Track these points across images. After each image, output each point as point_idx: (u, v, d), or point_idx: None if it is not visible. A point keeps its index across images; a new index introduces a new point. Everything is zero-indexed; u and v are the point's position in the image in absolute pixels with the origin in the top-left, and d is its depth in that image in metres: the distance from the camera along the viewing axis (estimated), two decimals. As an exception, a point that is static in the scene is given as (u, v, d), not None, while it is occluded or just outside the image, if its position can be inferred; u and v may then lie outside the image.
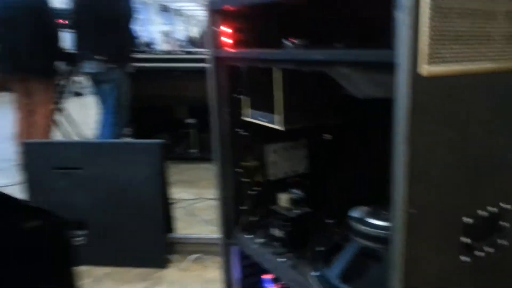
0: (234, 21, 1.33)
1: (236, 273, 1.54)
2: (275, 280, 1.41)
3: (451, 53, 0.80)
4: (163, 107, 4.19)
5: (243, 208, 1.47)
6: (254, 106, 1.33)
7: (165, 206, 2.37)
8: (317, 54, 0.99)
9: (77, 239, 2.31)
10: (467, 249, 0.93)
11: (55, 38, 3.79)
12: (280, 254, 1.31)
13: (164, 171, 2.36)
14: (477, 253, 0.95)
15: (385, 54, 0.77)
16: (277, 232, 1.36)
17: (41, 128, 3.79)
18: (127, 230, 2.32)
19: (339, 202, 1.38)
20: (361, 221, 1.13)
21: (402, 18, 0.73)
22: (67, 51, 3.91)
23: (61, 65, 3.92)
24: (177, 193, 3.17)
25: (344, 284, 1.11)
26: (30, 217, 1.27)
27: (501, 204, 0.98)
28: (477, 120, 0.89)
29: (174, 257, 2.38)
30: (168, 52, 4.29)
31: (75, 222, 2.30)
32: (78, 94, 7.11)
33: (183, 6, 20.45)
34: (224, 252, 1.53)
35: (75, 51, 3.65)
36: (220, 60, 1.36)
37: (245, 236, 1.45)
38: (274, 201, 1.40)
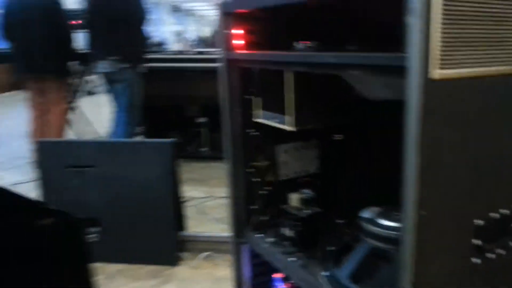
0: (245, 23, 1.34)
1: (247, 271, 1.55)
2: (285, 279, 1.42)
3: (462, 57, 0.80)
4: (174, 106, 4.21)
5: (253, 208, 1.49)
6: (265, 107, 1.34)
7: (176, 204, 2.40)
8: (330, 57, 0.99)
9: (90, 236, 2.35)
10: (478, 251, 0.93)
11: (68, 39, 3.84)
12: (290, 254, 1.32)
13: (175, 170, 2.39)
14: (488, 255, 0.95)
15: (397, 58, 0.78)
16: (287, 232, 1.37)
17: (55, 126, 3.84)
18: (139, 228, 2.35)
19: (349, 202, 1.38)
20: (372, 221, 1.14)
21: (413, 23, 0.74)
22: (80, 51, 3.95)
23: (74, 65, 3.97)
24: (188, 191, 3.19)
25: (354, 284, 1.11)
26: (43, 215, 1.29)
27: (513, 206, 0.98)
28: (489, 123, 0.89)
29: (185, 255, 2.40)
30: (180, 52, 4.31)
31: (88, 220, 2.34)
32: (90, 93, 7.17)
33: (195, 6, 20.48)
34: (235, 250, 1.54)
35: (88, 51, 3.69)
36: (231, 62, 1.37)
37: (256, 235, 1.46)
38: (285, 200, 1.41)
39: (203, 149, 4.22)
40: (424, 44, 0.74)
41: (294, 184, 1.49)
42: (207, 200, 3.22)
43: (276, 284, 1.47)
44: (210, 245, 2.42)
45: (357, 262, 1.16)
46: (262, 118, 1.36)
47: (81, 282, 1.32)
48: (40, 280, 1.26)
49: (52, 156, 2.46)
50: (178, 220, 2.43)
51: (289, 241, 1.37)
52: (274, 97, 1.27)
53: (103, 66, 3.50)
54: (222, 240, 2.36)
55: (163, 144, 2.39)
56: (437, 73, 0.76)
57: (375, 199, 1.22)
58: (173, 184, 2.37)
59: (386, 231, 1.09)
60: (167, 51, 4.56)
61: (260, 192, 1.48)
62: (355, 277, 1.13)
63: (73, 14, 3.91)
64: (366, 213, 1.18)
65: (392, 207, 1.12)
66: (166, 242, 2.36)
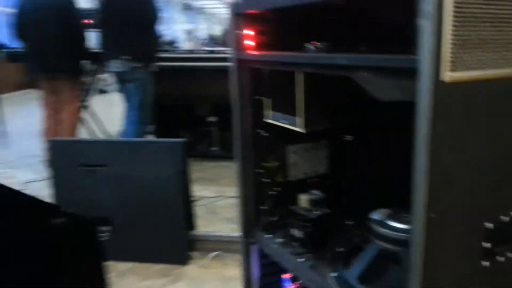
0: (256, 23, 1.34)
1: (256, 271, 1.56)
2: (293, 280, 1.43)
3: (474, 59, 0.80)
4: (185, 105, 4.23)
5: (263, 208, 1.49)
6: (275, 108, 1.34)
7: (187, 204, 2.41)
8: (341, 58, 1.00)
9: (102, 235, 2.37)
10: (488, 254, 0.93)
11: (81, 38, 3.87)
12: (299, 254, 1.32)
13: (186, 170, 2.40)
14: (498, 258, 0.94)
15: (408, 60, 0.78)
16: (296, 233, 1.37)
17: (68, 125, 3.88)
18: (150, 227, 2.36)
19: (359, 203, 1.38)
20: (382, 223, 1.13)
21: (425, 25, 0.74)
22: (92, 50, 3.99)
23: (86, 64, 4.00)
24: (198, 190, 3.20)
25: (363, 286, 1.11)
26: (55, 215, 1.31)
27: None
28: (500, 125, 0.89)
29: (194, 254, 2.41)
30: (191, 51, 4.32)
31: (99, 219, 2.35)
32: (102, 91, 7.23)
33: (206, 4, 20.53)
34: (244, 250, 1.55)
35: (101, 50, 3.72)
36: (242, 62, 1.37)
37: (265, 235, 1.47)
38: (294, 201, 1.41)
39: (213, 148, 4.23)
40: (435, 47, 0.74)
41: (303, 185, 1.49)
42: (217, 200, 3.23)
43: (285, 284, 1.48)
44: (219, 245, 2.43)
45: (366, 263, 1.16)
46: (272, 118, 1.36)
47: (95, 280, 1.34)
48: (54, 277, 1.28)
49: (65, 155, 2.48)
50: (189, 220, 2.45)
51: (298, 241, 1.37)
52: (284, 98, 1.28)
53: (115, 65, 3.53)
54: (231, 239, 2.36)
55: (174, 144, 2.41)
56: (447, 75, 0.76)
57: (385, 201, 1.22)
58: (184, 184, 2.38)
59: (396, 233, 1.09)
60: (178, 50, 4.58)
61: (270, 192, 1.49)
62: (364, 278, 1.13)
63: (86, 13, 3.95)
64: (376, 215, 1.18)
65: (402, 209, 1.12)
66: (176, 241, 2.38)
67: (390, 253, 1.10)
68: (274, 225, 1.49)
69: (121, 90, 3.81)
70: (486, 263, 0.93)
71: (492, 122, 0.87)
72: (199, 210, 2.88)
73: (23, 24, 3.70)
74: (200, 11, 21.45)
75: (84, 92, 4.19)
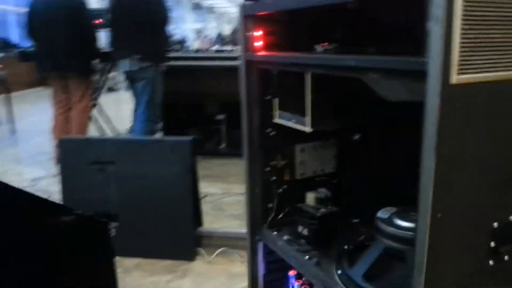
0: (266, 24, 1.36)
1: (261, 268, 1.57)
2: (297, 276, 1.44)
3: (482, 61, 0.80)
4: (194, 103, 4.25)
5: (270, 206, 1.50)
6: (283, 108, 1.36)
7: (194, 201, 2.43)
8: (349, 60, 1.00)
9: (110, 232, 2.40)
10: (494, 253, 0.93)
11: (91, 38, 3.91)
12: (305, 252, 1.33)
13: (194, 167, 2.42)
14: (504, 257, 0.95)
15: (417, 63, 0.79)
16: (303, 230, 1.39)
17: (77, 123, 3.92)
18: (157, 223, 2.39)
19: (366, 201, 1.39)
20: (388, 221, 1.14)
21: (434, 29, 0.74)
22: (103, 50, 4.03)
23: (96, 63, 4.04)
24: (205, 187, 3.23)
25: (367, 284, 1.12)
26: (63, 214, 1.33)
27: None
28: (508, 126, 0.89)
29: (201, 250, 2.43)
30: (200, 51, 4.35)
31: (107, 215, 2.39)
32: (112, 89, 7.28)
33: (216, 3, 20.55)
34: (250, 247, 1.56)
35: (111, 50, 3.75)
36: (251, 63, 1.39)
37: (271, 232, 1.48)
38: (301, 199, 1.42)
39: (221, 146, 4.26)
40: (444, 50, 0.75)
41: (311, 183, 1.50)
42: (224, 197, 3.25)
43: (291, 281, 1.49)
44: (226, 241, 2.44)
45: (371, 261, 1.16)
46: (279, 118, 1.37)
47: (104, 278, 1.36)
48: (62, 276, 1.30)
49: (74, 153, 2.52)
50: (196, 216, 2.47)
51: (304, 239, 1.38)
52: (292, 98, 1.29)
53: (125, 64, 3.56)
54: (237, 236, 2.38)
55: (182, 142, 2.43)
56: (456, 78, 0.77)
57: (392, 199, 1.23)
58: (192, 181, 2.40)
59: (402, 231, 1.10)
60: (187, 50, 4.60)
61: (277, 190, 1.50)
62: (369, 276, 1.14)
63: (96, 13, 3.99)
64: (382, 213, 1.19)
65: (409, 207, 1.13)
66: (183, 238, 2.40)
67: (396, 251, 1.11)
68: (280, 222, 1.51)
69: (131, 89, 3.85)
70: (491, 262, 0.93)
71: (499, 123, 0.88)
72: (206, 207, 2.90)
73: (34, 23, 3.74)
74: (209, 10, 21.48)
75: (94, 91, 4.23)
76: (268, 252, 1.53)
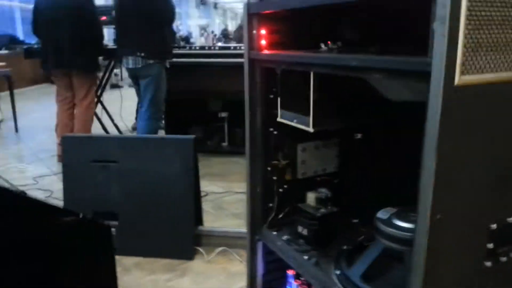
0: (270, 23, 1.36)
1: (260, 267, 1.57)
2: (296, 276, 1.44)
3: (486, 62, 0.80)
4: (197, 100, 4.25)
5: (271, 205, 1.50)
6: (286, 107, 1.35)
7: (195, 200, 2.43)
8: (353, 60, 1.00)
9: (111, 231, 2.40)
10: (491, 255, 0.93)
11: (97, 35, 3.91)
12: (304, 252, 1.33)
13: (196, 166, 2.42)
14: (501, 258, 0.95)
15: (421, 63, 0.79)
16: (302, 230, 1.38)
17: (81, 120, 3.93)
18: (158, 222, 2.39)
19: (366, 201, 1.39)
20: (387, 222, 1.14)
21: (439, 29, 0.74)
22: (107, 47, 4.03)
23: (101, 60, 4.05)
24: (206, 186, 3.23)
25: (365, 284, 1.12)
26: (63, 215, 1.33)
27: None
28: (510, 127, 0.89)
29: (200, 249, 2.43)
30: (204, 48, 4.34)
31: (107, 214, 2.40)
32: (115, 86, 7.29)
33: (221, -1, 20.55)
34: (250, 247, 1.56)
35: (116, 47, 3.76)
36: (255, 62, 1.39)
37: (271, 232, 1.48)
38: (302, 198, 1.42)
39: (224, 144, 4.25)
40: (448, 50, 0.74)
41: (312, 183, 1.50)
42: (225, 195, 3.24)
43: (290, 280, 1.48)
44: (225, 240, 2.44)
45: (370, 262, 1.16)
46: (282, 117, 1.37)
47: (104, 278, 1.36)
48: (64, 274, 1.30)
49: (77, 150, 2.52)
50: (196, 215, 2.46)
51: (303, 239, 1.38)
52: (295, 98, 1.29)
53: (130, 62, 3.56)
54: (237, 235, 2.38)
55: (184, 141, 2.43)
56: (459, 78, 0.76)
57: (392, 200, 1.22)
58: (193, 180, 2.40)
59: (400, 232, 1.10)
60: (191, 47, 4.60)
61: (278, 190, 1.49)
62: (367, 277, 1.14)
63: (100, 10, 4.00)
64: (382, 214, 1.18)
65: (408, 208, 1.12)
66: (184, 237, 2.40)
67: (394, 252, 1.11)
68: (280, 222, 1.51)
69: (135, 86, 3.85)
70: (488, 264, 0.93)
71: (501, 124, 0.87)
72: (207, 206, 2.90)
73: (40, 20, 3.75)
74: (214, 6, 21.47)
75: (98, 88, 4.24)
76: (268, 252, 1.52)
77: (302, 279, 1.40)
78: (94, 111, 4.17)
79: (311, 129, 1.25)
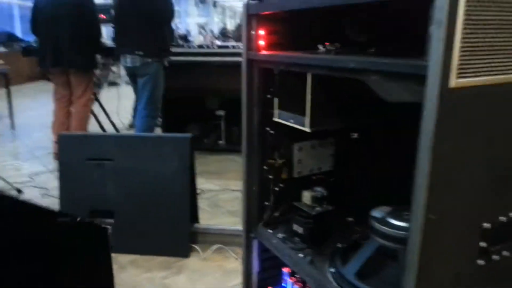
0: (269, 24, 1.36)
1: (256, 265, 1.58)
2: (291, 274, 1.45)
3: (482, 65, 0.81)
4: (194, 98, 4.25)
5: (266, 204, 1.51)
6: (283, 107, 1.36)
7: (191, 198, 2.43)
8: (350, 62, 1.01)
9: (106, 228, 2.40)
10: (484, 253, 0.95)
11: (96, 33, 3.91)
12: (299, 250, 1.34)
13: (192, 164, 2.43)
14: (494, 257, 0.96)
15: (417, 66, 0.80)
16: (298, 228, 1.39)
17: (78, 118, 3.92)
18: (154, 220, 2.40)
19: (361, 200, 1.40)
20: (381, 220, 1.15)
21: (436, 33, 0.75)
22: (106, 45, 4.03)
23: (98, 58, 4.05)
24: (203, 183, 3.24)
25: (360, 282, 1.13)
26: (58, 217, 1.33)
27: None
28: (503, 129, 0.90)
29: (196, 246, 2.44)
30: (202, 47, 4.35)
31: (103, 212, 2.41)
32: (113, 83, 7.27)
33: (221, -3, 20.50)
34: (246, 245, 1.57)
35: (114, 45, 3.75)
36: (253, 62, 1.40)
37: (267, 230, 1.49)
38: (298, 197, 1.43)
39: (220, 142, 4.26)
40: (445, 54, 0.76)
41: (308, 181, 1.51)
42: (221, 193, 3.25)
43: (285, 278, 1.49)
44: (221, 238, 2.45)
45: (364, 260, 1.18)
46: (279, 117, 1.38)
47: (101, 279, 1.36)
48: (61, 277, 1.30)
49: (73, 148, 2.52)
50: (192, 213, 2.47)
51: (299, 237, 1.39)
52: (292, 98, 1.29)
53: (128, 60, 3.56)
54: (233, 233, 2.39)
55: (181, 139, 2.44)
56: (454, 82, 0.77)
57: (387, 199, 1.24)
58: (190, 178, 2.41)
59: (395, 230, 1.11)
60: (189, 45, 4.60)
61: (274, 188, 1.50)
62: (361, 275, 1.15)
63: (99, 8, 4.00)
64: (377, 212, 1.19)
65: (403, 207, 1.13)
66: (179, 234, 2.40)
67: (389, 250, 1.12)
68: (276, 220, 1.52)
69: (133, 84, 3.85)
70: (481, 262, 0.94)
71: (495, 126, 0.89)
72: (203, 203, 2.91)
73: (39, 18, 3.74)
74: (214, 4, 21.42)
75: (95, 86, 4.23)
76: (263, 250, 1.54)
77: (297, 276, 1.41)
78: (91, 109, 4.16)
79: (308, 130, 1.26)
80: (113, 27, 3.78)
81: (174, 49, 3.99)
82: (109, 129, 4.69)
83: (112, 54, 3.93)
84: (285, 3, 1.27)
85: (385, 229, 1.12)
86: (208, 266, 2.28)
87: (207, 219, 2.73)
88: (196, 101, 4.27)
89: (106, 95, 4.94)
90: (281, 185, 1.51)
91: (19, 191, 3.33)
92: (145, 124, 3.71)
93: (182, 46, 4.42)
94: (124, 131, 5.04)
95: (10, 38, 9.49)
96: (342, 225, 1.44)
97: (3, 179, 3.37)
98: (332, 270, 1.22)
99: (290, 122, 1.33)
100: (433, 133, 0.79)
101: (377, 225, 1.14)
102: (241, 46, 1.41)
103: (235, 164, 3.74)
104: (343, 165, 1.58)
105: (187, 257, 2.37)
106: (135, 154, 2.44)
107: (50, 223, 1.22)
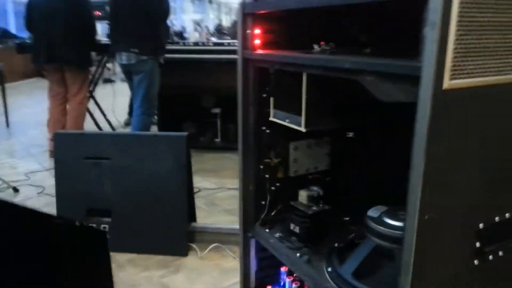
0: (264, 23, 1.36)
1: (253, 264, 1.58)
2: (289, 273, 1.45)
3: (476, 66, 0.82)
4: (190, 96, 4.25)
5: (263, 203, 1.51)
6: (278, 107, 1.36)
7: (188, 196, 2.44)
8: (345, 62, 1.01)
9: (103, 226, 2.41)
10: (479, 253, 0.95)
11: (90, 30, 3.90)
12: (296, 249, 1.35)
13: (188, 163, 2.43)
14: (489, 256, 0.97)
15: (411, 67, 0.81)
16: (295, 228, 1.40)
17: (74, 115, 3.92)
18: (151, 219, 2.40)
19: (357, 199, 1.40)
20: (377, 220, 1.16)
21: (430, 34, 0.76)
22: (101, 42, 4.02)
23: (93, 55, 4.04)
24: (199, 182, 3.24)
25: (357, 281, 1.14)
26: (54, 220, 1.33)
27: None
28: (498, 130, 0.91)
29: (193, 245, 2.44)
30: (197, 44, 4.34)
31: (100, 210, 2.41)
32: (108, 80, 7.25)
33: (216, -7, 20.42)
34: (243, 244, 1.57)
35: (109, 42, 3.74)
36: (249, 61, 1.39)
37: (264, 229, 1.49)
38: (294, 196, 1.43)
39: (216, 140, 4.26)
40: (438, 55, 0.76)
41: (304, 181, 1.51)
42: (218, 191, 3.26)
43: (282, 277, 1.50)
44: (218, 237, 2.46)
45: (361, 259, 1.18)
46: (275, 117, 1.38)
47: (100, 281, 1.36)
48: (60, 280, 1.30)
49: (69, 147, 2.52)
50: (189, 212, 2.48)
51: (296, 237, 1.39)
52: (288, 98, 1.30)
53: (123, 58, 3.55)
54: (230, 232, 2.40)
55: (177, 138, 2.44)
56: (448, 83, 0.78)
57: (383, 198, 1.24)
58: (186, 177, 2.41)
59: (391, 230, 1.11)
60: (184, 43, 4.59)
61: (271, 188, 1.51)
62: (358, 274, 1.16)
63: (95, 5, 3.98)
64: (373, 212, 1.20)
65: (398, 206, 1.14)
66: (177, 233, 2.41)
67: (385, 250, 1.13)
68: (273, 219, 1.52)
69: (128, 81, 3.85)
70: (476, 262, 0.95)
71: (489, 126, 0.89)
72: (200, 202, 2.92)
73: (33, 15, 3.73)
74: (209, 0, 21.34)
75: (90, 83, 4.23)
76: (261, 249, 1.54)
77: (295, 275, 1.42)
78: (87, 106, 4.16)
79: (303, 129, 1.26)
80: (108, 24, 3.77)
81: (169, 46, 3.98)
82: (105, 127, 4.69)
83: (107, 51, 3.93)
84: (281, 2, 1.27)
85: (381, 228, 1.13)
86: (206, 265, 2.29)
87: (204, 217, 2.74)
88: (192, 99, 4.26)
89: (101, 92, 4.93)
90: (277, 184, 1.52)
91: (15, 189, 3.33)
92: (141, 122, 3.71)
93: (177, 43, 4.41)
94: (120, 129, 5.03)
95: (4, 35, 9.42)
96: (338, 225, 1.45)
97: (0, 178, 3.37)
98: (329, 269, 1.22)
99: (286, 122, 1.33)
100: (427, 134, 0.79)
101: (373, 225, 1.15)
102: (236, 43, 1.41)
103: (231, 162, 3.74)
104: (339, 164, 1.59)
105: (185, 256, 2.38)
106: (132, 153, 2.44)
107: (48, 228, 1.22)
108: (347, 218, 1.48)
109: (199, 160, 3.63)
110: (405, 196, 0.85)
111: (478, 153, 0.89)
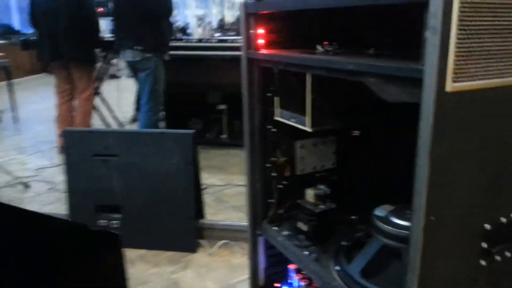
0: (268, 23, 1.37)
1: (262, 261, 1.61)
2: (297, 271, 1.47)
3: (477, 69, 0.82)
4: (196, 93, 4.25)
5: (270, 201, 1.53)
6: (284, 106, 1.37)
7: (196, 193, 2.46)
8: (348, 64, 1.02)
9: (113, 222, 2.44)
10: (486, 254, 0.96)
11: (95, 27, 3.91)
12: (304, 247, 1.36)
13: (196, 160, 2.45)
14: (496, 257, 0.98)
15: (413, 70, 0.81)
16: (302, 226, 1.41)
17: (81, 112, 3.94)
18: (160, 215, 2.43)
19: (364, 198, 1.41)
20: (384, 219, 1.17)
21: (431, 38, 0.76)
22: (105, 39, 4.03)
23: (98, 51, 4.05)
24: (206, 178, 3.25)
25: (364, 280, 1.16)
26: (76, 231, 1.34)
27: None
28: (501, 131, 0.92)
29: (203, 242, 2.47)
30: (202, 40, 4.34)
31: (110, 207, 2.44)
32: (113, 76, 7.26)
33: (219, -12, 20.29)
34: (251, 241, 1.59)
35: (114, 39, 3.76)
36: (253, 61, 1.40)
37: (272, 228, 1.51)
38: (301, 195, 1.45)
39: (223, 136, 4.27)
40: (440, 59, 0.77)
41: (310, 179, 1.52)
42: (225, 188, 3.28)
43: (291, 274, 1.52)
44: (227, 233, 2.48)
45: (369, 258, 1.19)
46: (281, 116, 1.39)
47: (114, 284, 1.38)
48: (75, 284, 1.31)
49: (78, 144, 2.55)
50: (198, 208, 2.50)
51: (303, 235, 1.41)
52: (293, 97, 1.31)
53: (128, 55, 3.57)
54: (239, 228, 2.42)
55: (184, 135, 2.45)
56: (450, 86, 0.79)
57: (390, 197, 1.25)
58: (193, 173, 2.43)
59: (397, 229, 1.12)
60: (189, 39, 4.59)
61: (278, 186, 1.52)
62: (366, 273, 1.17)
63: (98, 1, 3.99)
64: (380, 211, 1.21)
65: (405, 205, 1.15)
66: (186, 230, 2.44)
67: (392, 249, 1.14)
68: (280, 217, 1.53)
69: (134, 77, 3.86)
70: (483, 262, 0.96)
71: (493, 128, 0.90)
72: (207, 198, 2.93)
73: (37, 12, 3.75)
74: (213, -5, 21.20)
75: (96, 80, 4.24)
76: (269, 246, 1.56)
77: (303, 273, 1.44)
78: (94, 103, 4.18)
79: (309, 129, 1.27)
80: (112, 21, 3.77)
81: (174, 43, 3.98)
82: (112, 123, 4.71)
83: (111, 48, 3.94)
84: (283, 3, 1.28)
85: (388, 228, 1.14)
86: (215, 261, 2.31)
87: (212, 214, 2.76)
88: (197, 95, 4.26)
89: (107, 88, 4.95)
90: (284, 182, 1.53)
91: (26, 185, 3.37)
92: (148, 119, 3.73)
93: (181, 39, 4.41)
94: (128, 126, 5.06)
95: (7, 31, 9.44)
96: (345, 223, 1.46)
97: (10, 174, 3.40)
98: (337, 268, 1.24)
99: (291, 122, 1.34)
100: (431, 136, 0.80)
101: (379, 224, 1.16)
102: (240, 40, 1.42)
103: (238, 158, 3.75)
104: (345, 163, 1.59)
105: (194, 252, 2.40)
106: (140, 150, 2.46)
107: (59, 233, 1.24)
108: (354, 217, 1.50)
109: (205, 157, 3.65)
110: (411, 194, 0.87)
111: (482, 154, 0.90)
